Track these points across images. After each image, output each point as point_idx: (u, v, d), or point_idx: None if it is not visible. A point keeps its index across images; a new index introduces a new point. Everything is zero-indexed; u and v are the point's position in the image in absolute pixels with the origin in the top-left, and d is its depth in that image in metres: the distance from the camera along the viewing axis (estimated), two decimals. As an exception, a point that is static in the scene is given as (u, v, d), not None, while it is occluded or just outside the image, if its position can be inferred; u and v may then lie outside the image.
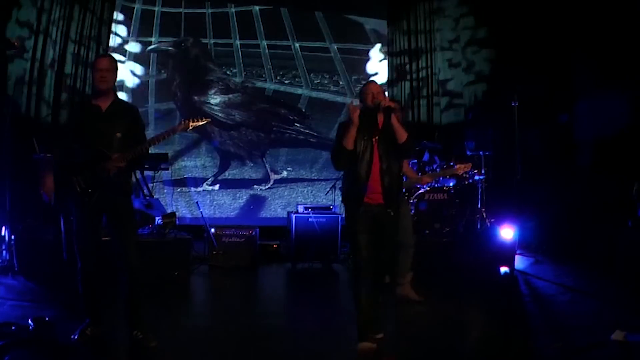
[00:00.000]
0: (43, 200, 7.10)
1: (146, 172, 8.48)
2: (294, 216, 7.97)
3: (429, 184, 7.61)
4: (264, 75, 10.39)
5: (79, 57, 9.05)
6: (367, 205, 4.52)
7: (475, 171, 8.16)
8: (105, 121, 4.43)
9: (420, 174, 7.32)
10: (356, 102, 4.92)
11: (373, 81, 4.97)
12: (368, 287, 4.49)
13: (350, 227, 4.62)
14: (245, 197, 10.26)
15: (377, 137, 4.54)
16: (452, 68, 10.56)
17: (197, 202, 9.16)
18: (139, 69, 9.85)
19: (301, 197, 10.29)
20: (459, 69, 10.52)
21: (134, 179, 8.13)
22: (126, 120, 4.51)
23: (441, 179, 8.20)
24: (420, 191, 8.20)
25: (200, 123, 4.65)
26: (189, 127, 4.62)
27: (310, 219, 7.91)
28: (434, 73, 10.56)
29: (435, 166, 8.27)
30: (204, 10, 10.18)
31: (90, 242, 4.48)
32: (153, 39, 9.90)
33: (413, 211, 8.13)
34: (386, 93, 4.58)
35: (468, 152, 8.82)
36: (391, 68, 10.74)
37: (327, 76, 10.66)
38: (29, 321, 4.64)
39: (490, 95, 10.18)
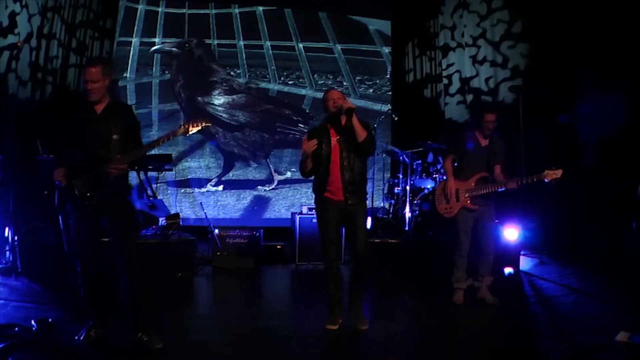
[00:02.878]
0: (47, 201, 7.09)
1: (150, 173, 8.49)
2: (298, 217, 7.94)
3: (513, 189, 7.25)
4: (267, 76, 10.39)
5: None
6: (330, 200, 5.05)
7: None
8: (101, 123, 4.39)
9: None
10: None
11: (332, 88, 5.58)
12: (335, 275, 5.15)
13: (318, 221, 5.18)
14: (249, 198, 10.26)
15: (338, 138, 5.03)
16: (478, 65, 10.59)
17: (200, 203, 9.16)
18: (142, 69, 9.85)
19: (305, 198, 10.27)
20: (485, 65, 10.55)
21: (137, 180, 8.18)
22: (122, 122, 4.46)
23: (419, 178, 8.25)
24: (424, 192, 8.19)
25: (200, 127, 4.55)
26: (188, 131, 4.53)
27: (314, 220, 7.85)
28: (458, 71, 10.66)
29: (439, 166, 8.25)
30: (207, 11, 10.19)
31: (89, 245, 4.45)
32: (157, 40, 9.91)
33: (417, 212, 8.14)
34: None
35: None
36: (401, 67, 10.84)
37: (331, 77, 10.65)
38: (33, 322, 4.65)
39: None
